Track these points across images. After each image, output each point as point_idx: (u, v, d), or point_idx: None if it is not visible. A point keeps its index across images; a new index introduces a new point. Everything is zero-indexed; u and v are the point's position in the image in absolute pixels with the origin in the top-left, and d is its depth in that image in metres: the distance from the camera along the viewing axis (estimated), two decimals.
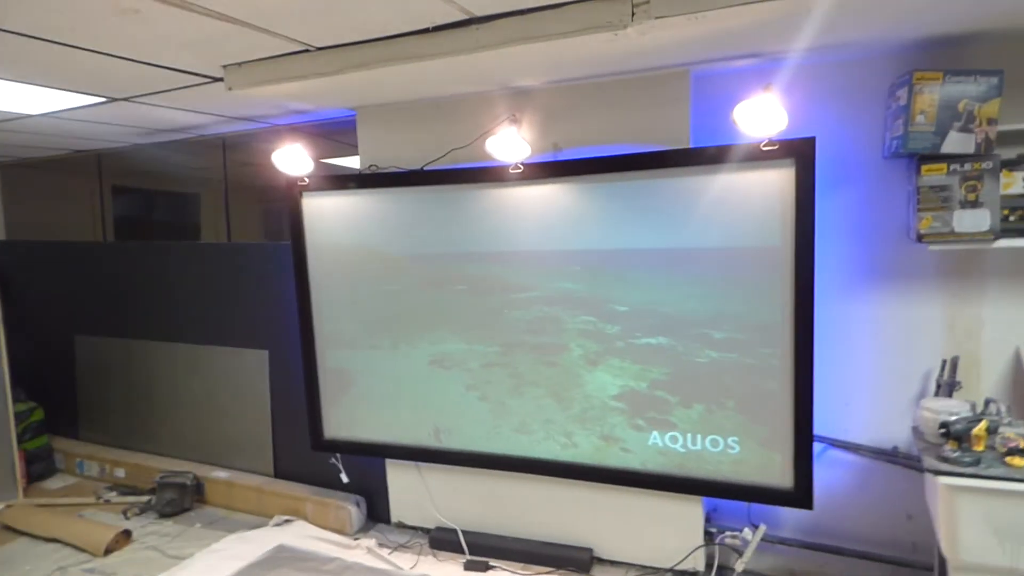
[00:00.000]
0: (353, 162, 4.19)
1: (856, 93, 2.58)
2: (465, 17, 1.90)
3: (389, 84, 2.64)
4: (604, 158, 2.73)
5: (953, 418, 2.08)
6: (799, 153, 2.40)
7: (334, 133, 3.81)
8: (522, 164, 2.84)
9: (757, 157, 2.46)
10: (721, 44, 2.16)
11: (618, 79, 2.71)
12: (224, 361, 4.14)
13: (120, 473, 4.33)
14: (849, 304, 2.72)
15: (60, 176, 5.38)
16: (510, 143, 2.76)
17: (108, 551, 3.39)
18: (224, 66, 2.45)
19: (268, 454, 4.02)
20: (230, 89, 2.48)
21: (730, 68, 2.62)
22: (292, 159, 3.22)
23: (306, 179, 3.33)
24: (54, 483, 4.37)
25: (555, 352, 2.99)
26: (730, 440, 2.73)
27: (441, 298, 3.16)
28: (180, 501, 3.86)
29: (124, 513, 3.85)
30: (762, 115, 2.29)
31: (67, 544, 3.47)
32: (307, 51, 2.26)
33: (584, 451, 3.01)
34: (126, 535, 3.52)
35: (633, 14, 1.70)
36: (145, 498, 3.96)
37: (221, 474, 4.03)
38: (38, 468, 4.39)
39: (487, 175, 2.94)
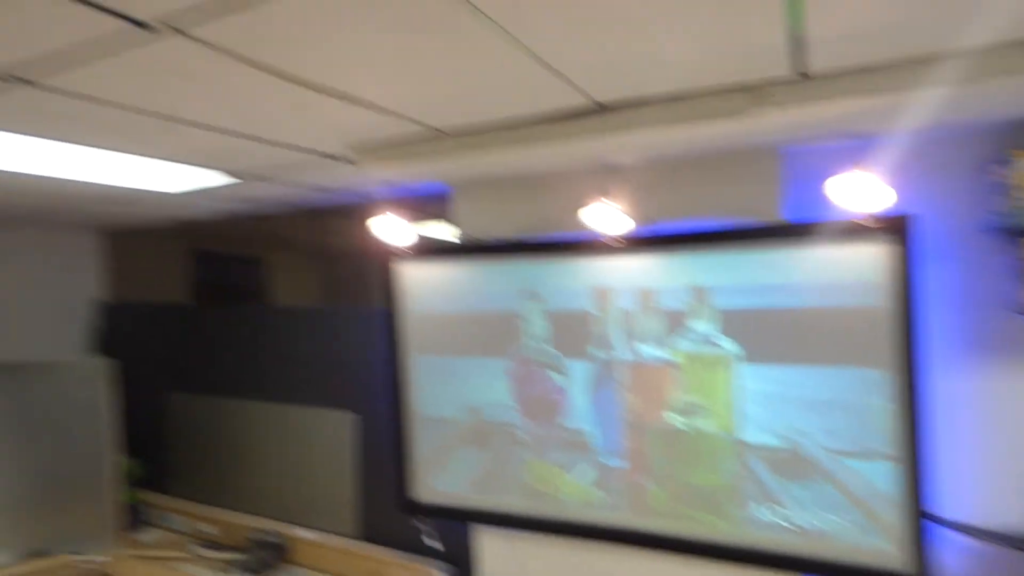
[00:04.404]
0: (431, 231, 4.42)
1: (946, 169, 2.67)
2: (595, 107, 2.12)
3: (496, 162, 2.87)
4: (700, 232, 2.88)
5: None
6: (896, 229, 2.49)
7: (416, 204, 4.05)
8: (618, 236, 3.01)
9: (852, 233, 2.56)
10: (826, 126, 2.31)
11: (708, 156, 2.89)
12: (309, 421, 4.30)
13: (207, 529, 4.46)
14: (949, 379, 2.71)
15: (155, 242, 5.82)
16: (608, 216, 2.94)
17: None
18: (353, 146, 2.72)
19: (352, 515, 4.10)
20: (356, 166, 2.75)
21: (822, 146, 2.76)
22: (389, 227, 3.46)
23: (403, 247, 3.55)
24: (144, 536, 4.53)
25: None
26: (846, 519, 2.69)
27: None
28: (272, 559, 3.95)
29: (224, 571, 3.94)
30: (859, 191, 2.41)
31: None
32: (439, 136, 2.51)
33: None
34: None
35: (758, 102, 1.87)
36: (237, 555, 4.06)
37: (308, 534, 4.13)
38: (129, 520, 4.56)
39: (585, 246, 3.12)
